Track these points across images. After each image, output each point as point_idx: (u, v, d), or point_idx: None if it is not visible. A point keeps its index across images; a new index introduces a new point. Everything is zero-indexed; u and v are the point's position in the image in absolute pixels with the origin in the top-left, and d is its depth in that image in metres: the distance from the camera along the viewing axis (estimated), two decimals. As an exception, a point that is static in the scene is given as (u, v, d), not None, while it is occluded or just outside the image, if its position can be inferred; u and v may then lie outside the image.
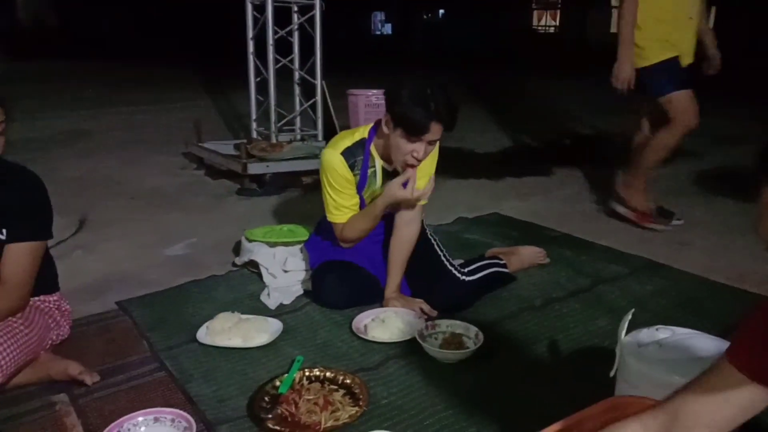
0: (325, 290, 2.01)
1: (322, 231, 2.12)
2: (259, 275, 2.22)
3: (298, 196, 3.41)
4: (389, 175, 1.95)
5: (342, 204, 1.97)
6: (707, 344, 1.32)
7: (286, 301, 2.06)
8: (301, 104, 3.92)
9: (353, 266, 2.04)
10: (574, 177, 3.87)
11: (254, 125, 3.97)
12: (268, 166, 3.46)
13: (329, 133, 3.92)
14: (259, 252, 2.27)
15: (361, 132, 1.97)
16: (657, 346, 1.31)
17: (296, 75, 3.90)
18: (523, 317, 1.95)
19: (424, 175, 1.93)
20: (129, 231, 2.84)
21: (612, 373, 1.37)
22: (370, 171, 1.96)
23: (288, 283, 2.17)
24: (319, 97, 3.86)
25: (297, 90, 3.94)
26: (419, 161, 1.82)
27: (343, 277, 2.02)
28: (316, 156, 3.56)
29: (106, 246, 2.64)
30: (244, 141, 3.61)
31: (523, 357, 1.73)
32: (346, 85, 4.04)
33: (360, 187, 1.97)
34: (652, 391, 1.24)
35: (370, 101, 3.82)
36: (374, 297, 2.01)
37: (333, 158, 1.92)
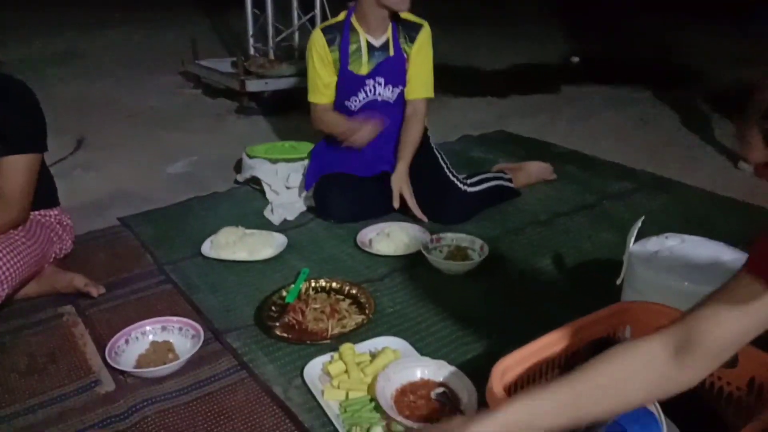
0: (329, 204, 1.99)
1: (332, 140, 2.08)
2: (262, 192, 2.20)
3: (299, 114, 3.33)
4: (374, 49, 1.98)
5: (319, 82, 2.00)
6: (717, 250, 1.31)
7: (290, 217, 2.05)
8: (299, 18, 3.76)
9: (356, 179, 2.01)
10: (584, 94, 3.77)
11: (251, 41, 3.82)
12: (266, 83, 3.36)
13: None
14: (261, 168, 2.23)
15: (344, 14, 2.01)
16: (666, 253, 1.29)
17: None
18: (528, 231, 1.94)
19: (418, 72, 2.01)
20: (129, 150, 2.79)
21: (619, 281, 1.37)
22: (352, 47, 1.97)
23: (291, 200, 2.15)
24: (317, 11, 3.70)
25: (295, 3, 3.77)
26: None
27: (346, 190, 2.00)
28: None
29: (106, 165, 2.60)
30: (242, 57, 3.49)
31: (527, 269, 1.72)
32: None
33: (343, 62, 1.97)
34: (661, 299, 1.24)
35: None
36: (379, 210, 1.99)
37: (314, 35, 2.01)
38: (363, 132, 1.93)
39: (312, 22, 3.74)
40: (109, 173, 2.51)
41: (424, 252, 1.70)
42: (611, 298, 1.39)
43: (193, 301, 1.58)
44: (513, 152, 2.68)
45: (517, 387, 1.03)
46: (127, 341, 1.36)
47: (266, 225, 1.99)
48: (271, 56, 3.66)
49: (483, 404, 1.17)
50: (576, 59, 4.73)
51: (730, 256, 1.29)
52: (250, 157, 2.31)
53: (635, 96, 3.62)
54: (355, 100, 2.01)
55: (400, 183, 1.94)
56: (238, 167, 2.43)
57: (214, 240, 1.83)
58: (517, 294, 1.60)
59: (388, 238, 1.81)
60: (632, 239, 1.33)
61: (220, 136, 3.06)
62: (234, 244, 1.80)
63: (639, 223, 1.33)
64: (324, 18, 3.68)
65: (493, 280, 1.66)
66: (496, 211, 2.07)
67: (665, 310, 1.10)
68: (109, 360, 1.29)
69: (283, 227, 1.98)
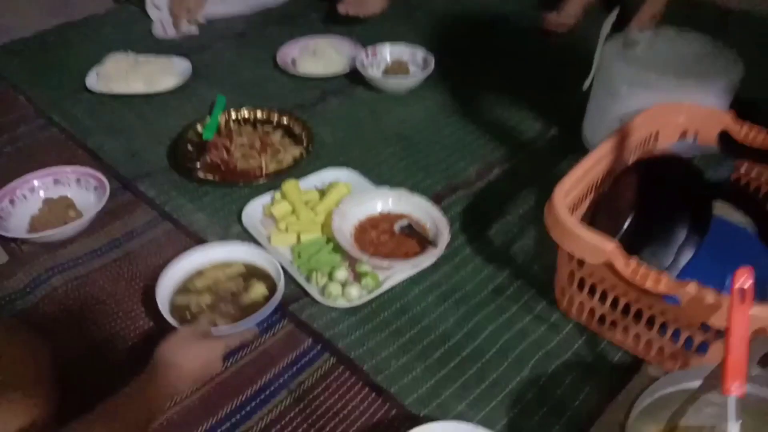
0: None
1: None
2: (143, 9, 1.80)
3: None
4: None
5: None
6: (697, 41, 1.16)
7: (191, 31, 1.71)
8: None
9: None
10: None
11: None
12: None
13: None
14: None
15: None
16: (645, 47, 1.13)
17: None
18: (479, 36, 1.72)
19: None
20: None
21: (586, 86, 1.21)
22: None
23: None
24: None
25: None
26: None
27: None
28: None
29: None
30: None
31: (481, 80, 1.53)
32: None
33: None
34: (643, 99, 1.11)
35: None
36: None
37: None
38: None
39: None
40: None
41: (359, 69, 1.46)
42: (576, 103, 1.26)
43: (87, 145, 1.29)
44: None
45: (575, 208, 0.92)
46: (12, 201, 1.09)
47: (162, 48, 1.64)
48: None
49: (454, 231, 1.05)
50: None
51: (711, 47, 1.15)
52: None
53: None
54: None
55: None
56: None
57: (101, 71, 1.49)
58: (470, 109, 1.42)
59: (315, 57, 1.55)
60: (604, 35, 1.16)
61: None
62: (126, 75, 1.48)
63: (614, 15, 1.15)
64: None
65: (443, 94, 1.46)
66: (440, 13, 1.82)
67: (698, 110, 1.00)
68: (-5, 226, 1.03)
69: (185, 50, 1.64)
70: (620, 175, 0.97)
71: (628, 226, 0.89)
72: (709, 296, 0.69)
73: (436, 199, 1.12)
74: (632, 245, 0.81)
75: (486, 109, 1.42)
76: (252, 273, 0.96)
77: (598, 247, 0.77)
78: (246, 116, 1.35)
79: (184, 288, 0.94)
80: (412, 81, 1.45)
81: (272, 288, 0.93)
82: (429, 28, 1.76)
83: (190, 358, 0.75)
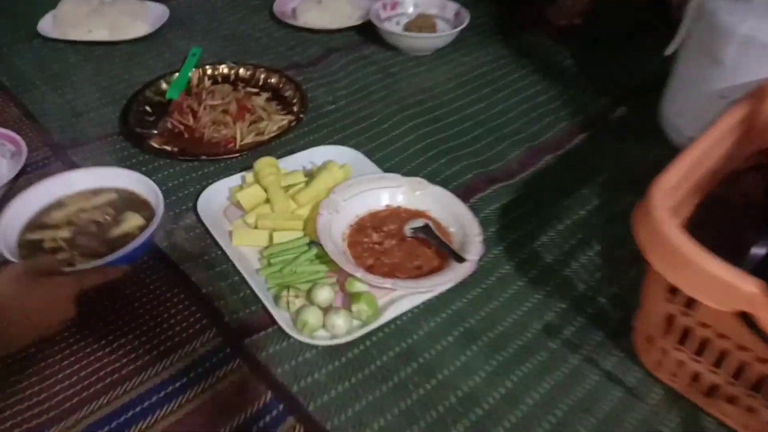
0: None
1: None
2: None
3: None
4: None
5: None
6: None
7: None
8: None
9: None
10: None
11: None
12: None
13: None
14: None
15: None
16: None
17: None
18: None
19: None
20: None
21: (670, 50, 0.90)
22: None
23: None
24: None
25: None
26: None
27: None
28: None
29: None
30: None
31: (527, 41, 1.22)
32: None
33: None
34: (763, 66, 0.80)
35: None
36: None
37: None
38: None
39: None
40: None
41: (374, 22, 1.16)
42: (647, 78, 0.95)
43: (23, 102, 1.01)
44: None
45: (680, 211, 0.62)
46: None
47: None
48: None
49: (488, 239, 0.75)
50: None
51: None
52: None
53: None
54: None
55: None
56: None
57: (57, 14, 1.21)
58: (510, 75, 1.12)
59: (320, 6, 1.25)
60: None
61: None
62: (88, 19, 1.19)
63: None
64: None
65: (473, 60, 1.16)
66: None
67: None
68: None
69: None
70: (745, 171, 0.66)
71: (759, 253, 0.58)
72: None
73: (465, 193, 0.82)
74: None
75: (533, 77, 1.11)
76: (126, 202, 0.77)
77: (730, 286, 0.47)
78: (225, 73, 1.06)
79: (39, 222, 0.74)
80: (441, 39, 1.15)
81: (150, 219, 0.73)
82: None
83: (23, 299, 0.55)
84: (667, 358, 0.59)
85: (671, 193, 0.56)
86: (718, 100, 0.85)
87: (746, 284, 0.46)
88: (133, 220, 0.74)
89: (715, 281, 0.48)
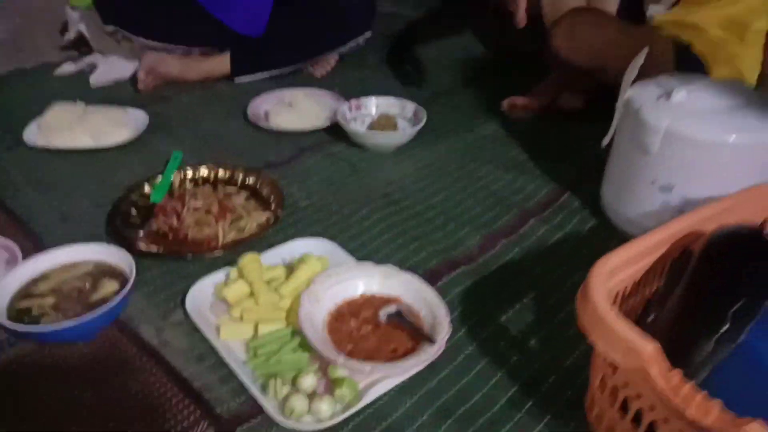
0: None
1: None
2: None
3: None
4: None
5: None
6: (735, 90, 0.98)
7: (123, 74, 1.54)
8: None
9: None
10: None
11: None
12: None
13: None
14: (89, 22, 1.64)
15: None
16: (684, 95, 0.95)
17: None
18: (471, 86, 1.55)
19: None
20: None
21: (605, 142, 1.03)
22: None
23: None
24: None
25: None
26: None
27: None
28: None
29: None
30: None
31: (481, 135, 1.35)
32: None
33: None
34: (680, 159, 0.92)
35: None
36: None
37: None
38: None
39: None
40: None
41: (341, 123, 1.27)
42: (588, 165, 1.07)
43: (9, 207, 1.07)
44: None
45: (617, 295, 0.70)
46: None
47: (120, 101, 1.45)
48: None
49: (455, 320, 0.83)
50: None
51: (756, 96, 0.97)
52: (74, 8, 1.69)
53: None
54: None
55: None
56: (65, 26, 1.80)
57: (42, 123, 1.29)
58: (466, 166, 1.23)
59: (291, 109, 1.36)
60: (631, 78, 0.98)
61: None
62: (71, 126, 1.28)
63: (642, 56, 0.97)
64: None
65: (431, 154, 1.27)
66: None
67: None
68: None
69: (144, 101, 1.45)
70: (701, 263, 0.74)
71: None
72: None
73: (432, 278, 0.91)
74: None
75: (487, 168, 1.23)
76: (102, 271, 0.88)
77: (632, 345, 0.55)
78: (205, 175, 1.15)
79: (26, 293, 0.84)
80: (402, 136, 1.26)
81: (125, 284, 0.83)
82: (425, 86, 1.60)
83: None
84: (602, 416, 0.66)
85: (612, 273, 0.66)
86: (649, 185, 0.96)
87: (644, 344, 0.55)
88: (109, 286, 0.85)
89: (622, 340, 0.56)
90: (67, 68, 1.59)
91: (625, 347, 0.56)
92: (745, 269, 0.64)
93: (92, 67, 1.58)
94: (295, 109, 1.36)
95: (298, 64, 1.55)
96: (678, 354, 0.59)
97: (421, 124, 1.27)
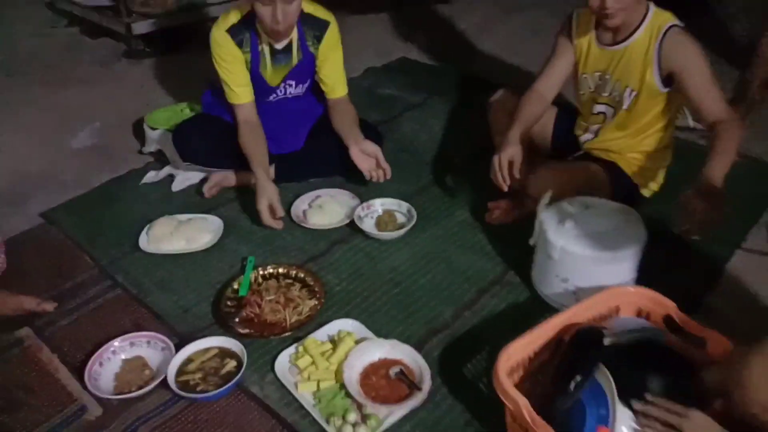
0: (183, 139, 2.01)
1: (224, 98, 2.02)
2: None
3: (192, 51, 3.18)
4: (277, 52, 1.93)
5: (237, 83, 1.92)
6: (618, 213, 1.53)
7: (194, 182, 2.11)
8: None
9: (218, 120, 2.05)
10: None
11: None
12: (154, 22, 3.16)
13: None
14: (166, 142, 2.17)
15: (247, 7, 1.86)
16: (573, 220, 1.50)
17: None
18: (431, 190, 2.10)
19: (333, 71, 2.03)
20: (21, 119, 2.62)
21: (532, 242, 1.58)
22: (260, 48, 1.92)
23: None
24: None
25: None
26: (285, 23, 1.78)
27: (205, 128, 2.02)
28: (206, 4, 3.29)
29: (2, 142, 2.44)
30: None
31: (452, 224, 1.91)
32: None
33: (254, 65, 1.93)
34: (570, 265, 1.47)
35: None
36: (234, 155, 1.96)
37: (220, 36, 1.88)
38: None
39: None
40: (9, 154, 2.37)
41: (357, 222, 1.84)
42: (529, 250, 1.62)
43: (148, 305, 1.65)
44: (421, 84, 2.78)
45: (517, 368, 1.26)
46: (101, 364, 1.44)
47: (194, 204, 2.02)
48: (152, -12, 3.39)
49: (441, 379, 1.39)
50: None
51: (632, 217, 1.52)
52: (152, 128, 2.26)
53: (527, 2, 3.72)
54: (267, 101, 2.03)
55: (374, 149, 1.93)
56: (141, 132, 2.34)
57: (150, 233, 1.86)
58: (446, 252, 1.79)
59: (322, 210, 1.93)
60: (544, 204, 1.53)
61: (116, 88, 2.91)
62: (171, 235, 1.85)
63: (548, 196, 1.53)
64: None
65: (422, 241, 1.83)
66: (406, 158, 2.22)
67: (653, 296, 1.33)
68: (90, 388, 1.38)
69: (214, 204, 2.02)
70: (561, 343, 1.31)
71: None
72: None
73: (419, 343, 1.48)
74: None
75: (459, 251, 1.79)
76: (225, 353, 1.45)
77: (515, 399, 1.11)
78: (271, 272, 1.72)
79: (183, 371, 1.41)
80: (399, 234, 1.83)
81: (240, 361, 1.41)
82: (413, 180, 2.16)
83: None
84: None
85: (510, 356, 1.22)
86: (554, 276, 1.52)
87: (519, 398, 1.11)
88: (231, 364, 1.42)
89: (511, 399, 1.13)
90: (152, 177, 2.15)
91: (513, 401, 1.12)
92: (583, 356, 1.21)
93: (170, 176, 2.14)
94: (325, 210, 1.92)
95: (326, 176, 2.11)
96: (549, 401, 1.16)
97: (413, 222, 1.84)
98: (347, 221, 1.90)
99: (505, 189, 1.69)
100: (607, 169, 1.77)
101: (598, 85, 1.77)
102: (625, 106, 1.72)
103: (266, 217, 1.81)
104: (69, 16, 3.62)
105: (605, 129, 1.81)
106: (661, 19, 1.61)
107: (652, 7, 1.63)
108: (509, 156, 1.66)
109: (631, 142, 1.78)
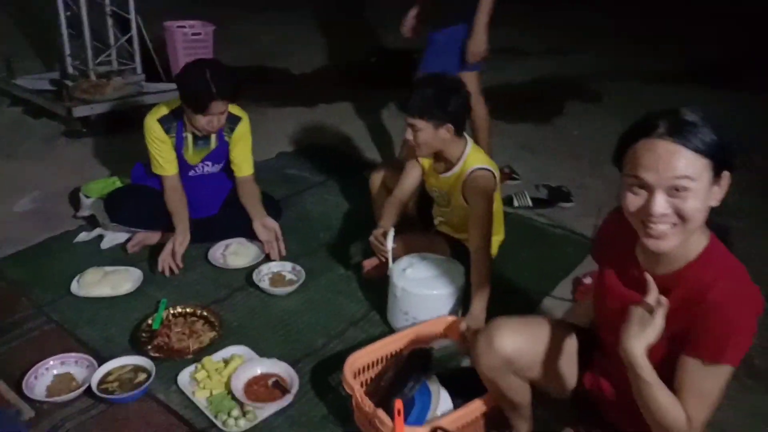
0: (114, 204, 2.49)
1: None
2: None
3: (128, 133, 3.60)
4: (197, 138, 2.43)
5: (165, 159, 2.41)
6: (445, 265, 2.07)
7: (120, 241, 2.53)
8: (117, 38, 3.98)
9: (144, 188, 2.52)
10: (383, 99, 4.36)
11: (69, 60, 3.93)
12: (92, 107, 3.59)
13: (149, 67, 4.08)
14: (98, 208, 2.60)
15: (177, 102, 2.36)
16: (412, 269, 2.03)
17: (107, 9, 3.92)
18: (321, 251, 2.61)
19: (242, 155, 2.52)
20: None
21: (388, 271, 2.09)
22: (184, 135, 2.42)
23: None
24: (134, 32, 3.95)
25: (110, 22, 3.96)
26: (218, 127, 2.32)
27: (132, 196, 2.51)
28: (139, 94, 3.77)
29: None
30: (65, 81, 3.68)
31: (334, 277, 2.40)
32: (168, 15, 4.18)
33: (179, 148, 2.43)
34: (412, 302, 1.98)
35: (187, 37, 4.04)
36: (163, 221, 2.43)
37: (152, 124, 2.37)
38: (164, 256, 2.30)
39: (129, 42, 3.99)
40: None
41: (256, 282, 2.29)
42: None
43: (77, 335, 2.03)
44: (322, 167, 3.33)
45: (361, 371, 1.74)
46: (36, 377, 1.80)
47: (121, 259, 2.43)
48: (92, 77, 3.85)
49: (309, 386, 1.84)
50: (374, 59, 5.31)
51: (455, 266, 2.06)
52: (87, 197, 2.69)
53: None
54: (187, 175, 2.52)
55: (273, 224, 2.45)
56: (77, 200, 2.76)
57: (81, 280, 2.25)
58: (327, 297, 2.27)
59: (237, 254, 2.42)
60: (390, 247, 2.06)
61: (56, 164, 3.29)
62: (99, 282, 2.24)
63: (392, 234, 2.07)
64: (142, 41, 3.97)
65: (307, 293, 2.30)
66: (304, 225, 2.73)
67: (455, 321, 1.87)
68: (26, 392, 1.74)
69: (135, 260, 2.43)
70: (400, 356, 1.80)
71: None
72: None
73: (294, 363, 1.92)
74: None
75: (336, 297, 2.27)
76: (137, 369, 1.85)
77: (351, 386, 1.58)
78: (180, 311, 2.14)
79: (103, 381, 1.82)
80: (292, 289, 2.29)
81: (150, 374, 1.80)
82: (307, 244, 2.66)
83: None
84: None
85: (354, 362, 1.69)
86: (400, 310, 2.03)
87: (355, 389, 1.58)
88: (142, 376, 1.80)
89: (357, 400, 1.59)
90: (84, 237, 2.54)
91: (350, 387, 1.59)
92: (414, 367, 1.68)
93: (100, 236, 2.55)
94: (239, 253, 2.41)
95: (234, 238, 2.57)
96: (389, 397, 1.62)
97: (303, 278, 2.31)
98: (263, 256, 2.39)
99: (383, 259, 2.19)
100: (447, 240, 2.34)
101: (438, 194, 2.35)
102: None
103: (167, 252, 2.27)
104: (11, 97, 4.02)
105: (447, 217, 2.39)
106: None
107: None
108: (381, 230, 2.19)
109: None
